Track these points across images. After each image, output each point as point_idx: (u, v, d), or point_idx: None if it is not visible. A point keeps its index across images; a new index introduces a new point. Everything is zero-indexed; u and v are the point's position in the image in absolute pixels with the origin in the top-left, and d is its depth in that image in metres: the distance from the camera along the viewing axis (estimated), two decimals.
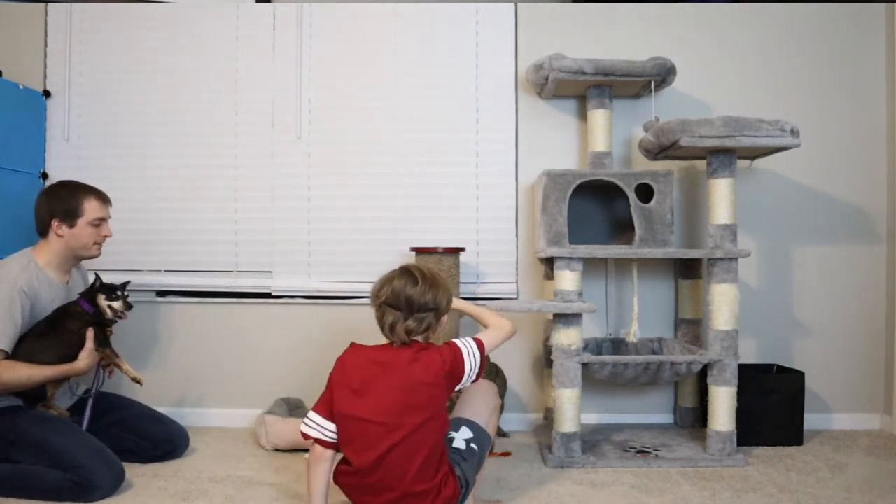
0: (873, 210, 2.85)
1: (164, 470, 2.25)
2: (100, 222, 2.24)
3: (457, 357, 1.73)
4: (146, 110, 2.93)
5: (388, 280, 1.73)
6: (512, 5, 2.89)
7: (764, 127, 2.29)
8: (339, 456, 1.74)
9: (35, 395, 2.11)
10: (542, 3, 2.89)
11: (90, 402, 2.26)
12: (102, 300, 2.20)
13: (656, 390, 2.86)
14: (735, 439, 2.35)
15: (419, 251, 2.61)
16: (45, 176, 2.92)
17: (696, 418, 2.74)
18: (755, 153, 2.49)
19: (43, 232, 2.20)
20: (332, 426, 1.71)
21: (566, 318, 2.31)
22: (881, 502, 1.98)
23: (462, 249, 2.66)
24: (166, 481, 2.15)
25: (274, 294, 2.90)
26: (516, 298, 2.87)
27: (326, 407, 1.72)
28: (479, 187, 2.89)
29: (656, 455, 2.38)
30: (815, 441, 2.62)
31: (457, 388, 1.76)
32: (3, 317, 2.03)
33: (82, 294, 2.22)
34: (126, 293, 2.26)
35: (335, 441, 1.71)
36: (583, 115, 2.84)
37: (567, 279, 2.34)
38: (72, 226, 2.19)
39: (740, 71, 2.85)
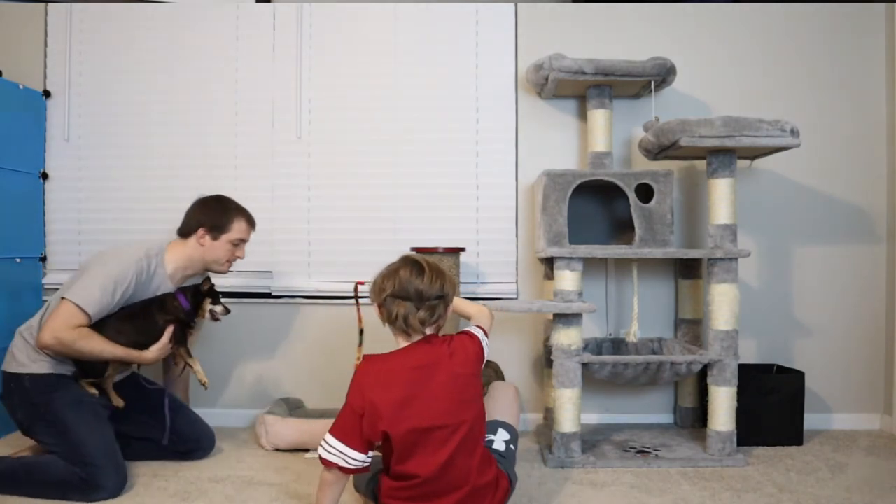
0: (873, 210, 2.85)
1: (164, 470, 2.25)
2: (239, 243, 2.32)
3: (478, 344, 1.74)
4: (146, 110, 2.93)
5: (391, 272, 1.67)
6: (512, 5, 2.89)
7: (764, 127, 2.29)
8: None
9: (94, 370, 2.12)
10: (542, 3, 2.89)
11: (165, 401, 2.29)
12: (207, 303, 2.28)
13: (656, 390, 2.86)
14: (735, 439, 2.35)
15: (419, 251, 2.61)
16: (45, 176, 2.92)
17: (696, 418, 2.74)
18: (755, 153, 2.49)
19: (185, 234, 2.28)
20: (358, 455, 1.60)
21: (566, 318, 2.31)
22: (881, 502, 1.98)
23: (462, 249, 2.66)
24: (166, 481, 2.15)
25: (274, 294, 2.90)
26: (516, 298, 2.87)
27: (351, 435, 1.60)
28: (479, 187, 2.89)
29: (656, 455, 2.38)
30: (815, 441, 2.62)
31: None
32: (106, 287, 2.06)
33: (183, 289, 2.26)
34: (221, 298, 2.35)
35: (357, 468, 1.62)
36: (583, 115, 2.84)
37: (567, 279, 2.34)
38: (215, 238, 2.26)
39: (740, 71, 2.85)
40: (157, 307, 2.21)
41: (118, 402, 2.18)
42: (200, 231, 2.25)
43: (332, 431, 1.62)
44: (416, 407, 1.58)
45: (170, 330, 2.20)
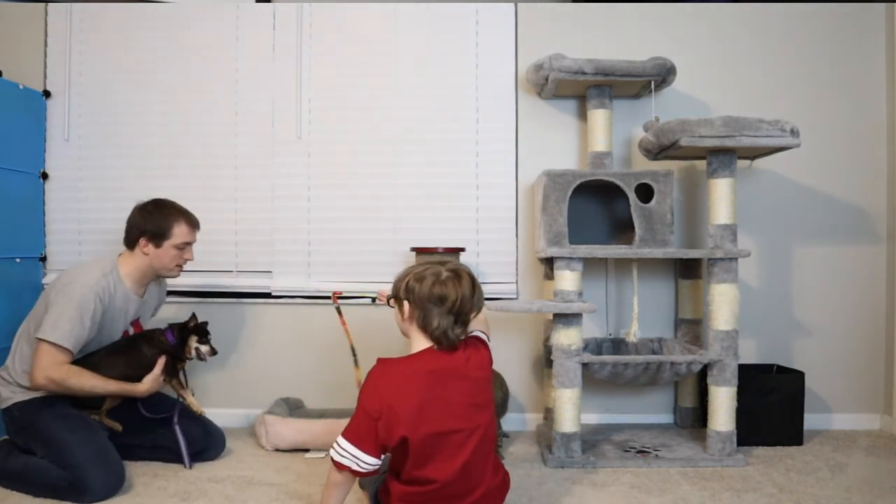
0: (873, 210, 2.85)
1: (164, 470, 2.25)
2: (185, 246, 2.28)
3: (488, 349, 1.75)
4: (146, 110, 2.93)
5: (444, 282, 1.61)
6: (512, 5, 2.89)
7: (764, 127, 2.29)
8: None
9: (89, 403, 2.15)
10: (542, 3, 2.89)
11: (177, 429, 2.28)
12: (193, 340, 2.28)
13: (656, 390, 2.86)
14: (735, 439, 2.35)
15: (419, 251, 2.61)
16: (44, 176, 2.92)
17: (696, 418, 2.74)
18: (755, 153, 2.49)
19: (130, 245, 2.26)
20: (370, 459, 1.58)
21: (566, 318, 2.31)
22: (881, 502, 1.98)
23: (462, 249, 2.66)
24: (166, 481, 2.15)
25: (274, 294, 2.90)
26: (516, 298, 2.87)
27: (365, 439, 1.58)
28: (479, 187, 2.89)
29: (656, 455, 2.38)
30: (815, 441, 2.62)
31: None
32: (74, 319, 2.07)
33: (171, 326, 2.27)
34: (210, 337, 2.33)
35: (368, 471, 1.61)
36: (583, 115, 2.84)
37: (567, 279, 2.34)
38: (158, 246, 2.23)
39: (740, 71, 2.85)
40: (144, 341, 2.24)
41: (116, 426, 2.20)
42: (142, 241, 2.21)
43: (346, 435, 1.60)
44: (433, 411, 1.57)
45: (161, 361, 2.20)
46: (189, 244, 2.30)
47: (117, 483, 2.04)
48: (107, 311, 2.16)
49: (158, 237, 2.22)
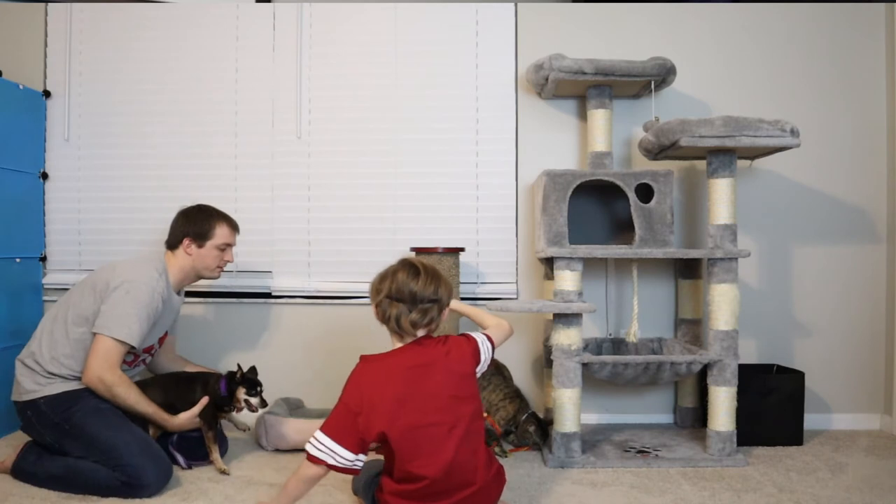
0: (873, 210, 2.85)
1: None
2: (226, 247, 2.35)
3: (474, 344, 1.76)
4: (146, 110, 2.93)
5: (389, 274, 1.69)
6: (512, 5, 2.89)
7: (764, 127, 2.29)
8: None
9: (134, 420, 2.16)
10: (542, 3, 2.89)
11: (170, 448, 2.27)
12: (241, 392, 2.27)
13: (656, 390, 2.86)
14: (735, 439, 2.35)
15: (419, 251, 2.61)
16: (45, 176, 2.93)
17: (696, 418, 2.74)
18: (755, 153, 2.49)
19: (173, 246, 2.31)
20: (347, 454, 1.58)
21: (566, 318, 2.31)
22: (881, 502, 1.98)
23: (462, 249, 2.66)
24: (170, 480, 2.14)
25: (274, 294, 2.90)
26: (516, 298, 2.87)
27: (343, 433, 1.59)
28: (479, 187, 2.89)
29: (656, 455, 2.38)
30: (815, 441, 2.62)
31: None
32: (141, 317, 2.12)
33: (226, 376, 2.29)
34: (261, 388, 2.31)
35: (345, 467, 1.61)
36: (583, 115, 2.84)
37: (567, 279, 2.34)
38: (200, 246, 2.29)
39: (740, 71, 2.85)
40: (200, 382, 2.27)
41: None
42: (186, 241, 2.28)
43: (325, 430, 1.61)
44: (412, 404, 1.59)
45: (203, 401, 2.21)
46: (230, 246, 2.37)
47: (168, 474, 2.06)
48: (162, 309, 2.20)
49: (201, 237, 2.29)
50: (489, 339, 1.81)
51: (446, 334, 1.77)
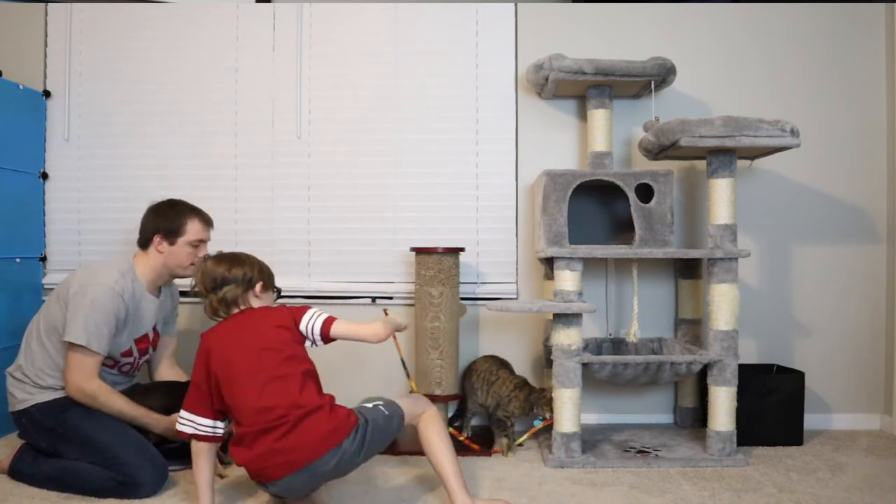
0: (873, 210, 2.85)
1: None
2: (199, 244, 2.28)
3: (286, 312, 1.91)
4: (146, 110, 2.93)
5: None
6: (512, 5, 2.89)
7: (764, 127, 2.29)
8: (215, 447, 1.89)
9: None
10: (542, 3, 2.89)
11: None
12: None
13: (656, 390, 2.86)
14: (735, 439, 2.35)
15: (419, 251, 2.61)
16: (45, 176, 2.93)
17: (696, 418, 2.74)
18: (755, 153, 2.49)
19: (144, 245, 2.26)
20: (205, 421, 1.83)
21: (566, 318, 2.31)
22: (881, 502, 1.98)
23: (462, 249, 2.66)
24: (166, 481, 2.14)
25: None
26: (516, 298, 2.87)
27: (196, 404, 1.84)
28: (479, 187, 2.89)
29: (656, 455, 2.38)
30: (815, 441, 2.62)
31: (301, 327, 1.90)
32: (98, 320, 2.06)
33: None
34: None
35: (210, 435, 1.84)
36: (583, 115, 2.84)
37: (567, 279, 2.34)
38: (172, 243, 2.23)
39: (740, 71, 2.85)
40: None
41: None
42: (156, 238, 2.22)
43: (182, 406, 1.86)
44: (233, 355, 1.80)
45: None
46: (203, 242, 2.30)
47: (164, 474, 2.06)
48: (129, 310, 2.16)
49: (172, 234, 2.22)
50: (328, 320, 1.90)
51: (252, 307, 1.95)
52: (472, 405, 2.65)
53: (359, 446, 1.76)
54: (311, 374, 1.84)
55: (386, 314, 2.22)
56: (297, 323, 1.89)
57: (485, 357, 2.70)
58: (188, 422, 1.85)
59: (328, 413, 1.74)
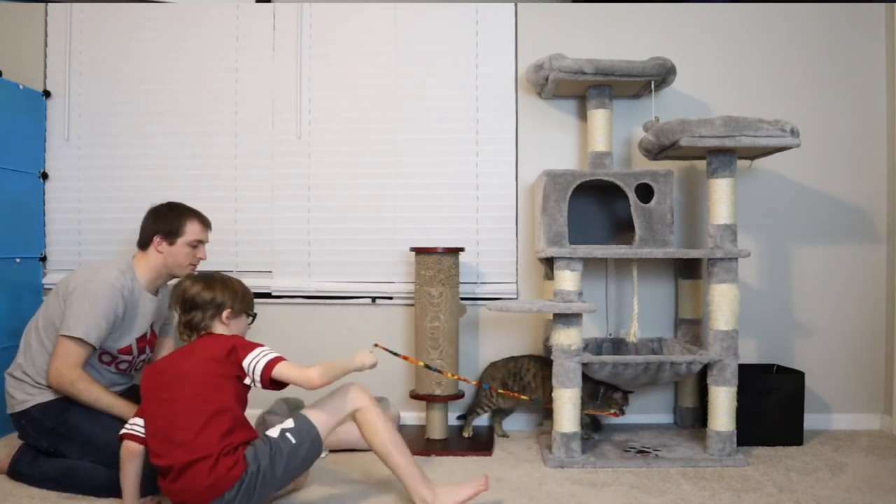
0: (873, 210, 2.85)
1: None
2: (197, 244, 2.32)
3: (222, 345, 1.83)
4: (146, 110, 2.93)
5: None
6: (512, 5, 2.89)
7: (764, 127, 2.29)
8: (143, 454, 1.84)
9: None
10: (542, 3, 2.89)
11: None
12: None
13: (656, 390, 2.86)
14: (735, 439, 2.35)
15: (419, 251, 2.61)
16: (45, 176, 2.93)
17: (696, 418, 2.74)
18: (755, 153, 2.49)
19: (144, 245, 2.28)
20: (138, 420, 1.84)
21: (566, 318, 2.31)
22: (881, 502, 1.98)
23: (462, 249, 2.66)
24: None
25: (274, 294, 2.90)
26: (516, 298, 2.87)
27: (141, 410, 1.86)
28: (479, 187, 2.89)
29: (656, 455, 2.38)
30: (815, 441, 2.62)
31: (246, 382, 1.82)
32: (97, 314, 2.08)
33: None
34: None
35: (137, 433, 1.82)
36: (583, 115, 2.84)
37: (567, 279, 2.34)
38: (171, 244, 2.26)
39: (740, 71, 2.85)
40: None
41: None
42: (156, 239, 2.25)
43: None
44: (158, 380, 1.81)
45: None
46: (202, 242, 2.34)
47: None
48: (128, 307, 2.18)
49: (172, 235, 2.26)
50: (273, 361, 1.80)
51: (212, 333, 1.91)
52: (505, 404, 2.64)
53: (246, 495, 1.70)
54: (223, 413, 1.74)
55: (376, 346, 2.14)
56: (234, 357, 1.81)
57: (530, 356, 2.68)
58: (131, 425, 1.85)
59: (210, 466, 1.67)
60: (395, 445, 1.87)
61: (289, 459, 1.77)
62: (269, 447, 1.76)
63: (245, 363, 1.80)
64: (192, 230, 2.29)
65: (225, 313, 1.91)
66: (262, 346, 1.85)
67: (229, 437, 1.73)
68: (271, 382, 1.81)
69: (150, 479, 1.88)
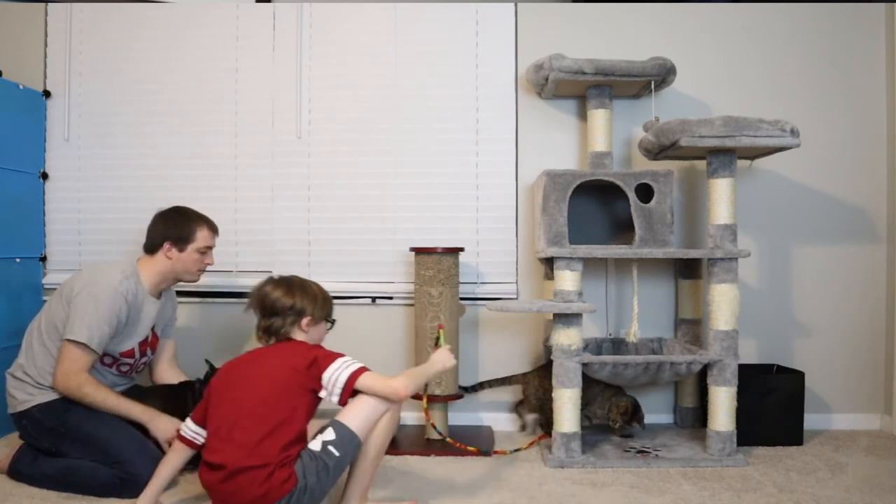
0: (873, 210, 2.85)
1: None
2: (206, 250, 2.32)
3: (303, 355, 1.80)
4: (146, 110, 2.93)
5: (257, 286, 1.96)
6: (512, 5, 2.89)
7: (764, 127, 2.29)
8: (188, 454, 1.86)
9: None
10: (542, 3, 2.89)
11: None
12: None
13: (656, 390, 2.86)
14: (735, 439, 2.35)
15: (419, 251, 2.61)
16: (45, 176, 2.93)
17: (696, 418, 2.74)
18: (755, 153, 2.49)
19: (152, 250, 2.28)
20: (192, 425, 1.85)
21: (566, 318, 2.31)
22: (881, 502, 1.98)
23: (462, 249, 2.66)
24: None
25: None
26: (516, 298, 2.87)
27: (196, 412, 1.87)
28: (479, 187, 2.89)
29: (656, 455, 2.38)
30: (815, 441, 2.62)
31: (321, 395, 1.78)
32: (100, 319, 2.08)
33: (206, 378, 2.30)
34: None
35: (189, 436, 1.84)
36: (583, 115, 2.84)
37: (567, 279, 2.34)
38: (181, 250, 2.26)
39: (740, 71, 2.85)
40: (189, 389, 2.26)
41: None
42: (166, 245, 2.25)
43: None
44: (232, 379, 1.80)
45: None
46: (210, 248, 2.34)
47: None
48: (131, 312, 2.18)
49: (182, 241, 2.26)
50: (357, 372, 1.77)
51: (297, 340, 1.88)
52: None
53: None
54: (288, 425, 1.71)
55: (440, 329, 2.22)
56: (314, 369, 1.77)
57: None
58: (185, 427, 1.87)
59: (266, 476, 1.64)
60: (377, 451, 1.80)
61: (333, 474, 1.73)
62: (315, 463, 1.70)
63: (325, 375, 1.76)
64: (202, 237, 2.29)
65: (305, 320, 1.88)
66: (343, 355, 1.81)
67: (289, 450, 1.69)
68: (350, 394, 1.77)
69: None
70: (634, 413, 2.54)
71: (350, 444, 1.74)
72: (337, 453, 1.72)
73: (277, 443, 1.68)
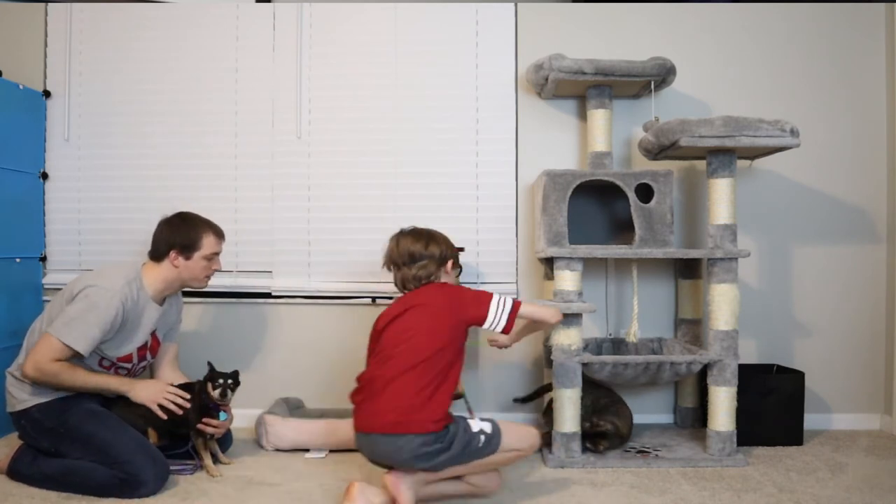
0: (873, 210, 2.85)
1: None
2: (213, 257, 2.31)
3: (480, 294, 1.98)
4: (146, 110, 2.93)
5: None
6: (512, 5, 2.89)
7: (764, 127, 2.29)
8: None
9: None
10: (542, 3, 2.90)
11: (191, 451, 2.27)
12: (209, 387, 2.26)
13: (656, 390, 2.86)
14: (735, 439, 2.35)
15: None
16: (45, 176, 2.92)
17: (696, 418, 2.74)
18: (755, 153, 2.49)
19: (158, 258, 2.27)
20: None
21: (566, 318, 2.31)
22: (881, 502, 1.98)
23: (462, 249, 2.65)
24: (167, 481, 2.14)
25: (274, 294, 2.90)
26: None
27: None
28: (479, 187, 2.89)
29: (656, 455, 2.38)
30: (815, 441, 2.62)
31: (484, 327, 1.96)
32: (90, 322, 2.07)
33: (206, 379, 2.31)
34: (229, 382, 2.28)
35: None
36: (583, 115, 2.84)
37: (567, 279, 2.34)
38: (188, 258, 2.25)
39: (740, 71, 2.85)
40: (188, 390, 2.25)
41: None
42: (173, 254, 2.23)
43: None
44: (401, 309, 1.93)
45: (176, 391, 2.19)
46: (217, 254, 2.33)
47: (165, 473, 2.06)
48: (127, 317, 2.16)
49: (189, 249, 2.25)
50: (516, 304, 1.98)
51: (448, 283, 2.05)
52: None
53: (442, 447, 1.79)
54: (432, 364, 1.85)
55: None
56: (465, 313, 1.93)
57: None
58: None
59: (424, 402, 1.79)
60: (482, 467, 1.90)
61: (469, 456, 1.84)
62: (466, 435, 1.83)
63: (492, 304, 1.94)
64: (208, 243, 2.28)
65: (449, 264, 2.07)
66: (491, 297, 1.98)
67: (441, 395, 1.83)
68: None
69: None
70: (606, 438, 2.41)
71: (493, 445, 1.86)
72: (479, 445, 1.84)
73: (437, 392, 1.83)
